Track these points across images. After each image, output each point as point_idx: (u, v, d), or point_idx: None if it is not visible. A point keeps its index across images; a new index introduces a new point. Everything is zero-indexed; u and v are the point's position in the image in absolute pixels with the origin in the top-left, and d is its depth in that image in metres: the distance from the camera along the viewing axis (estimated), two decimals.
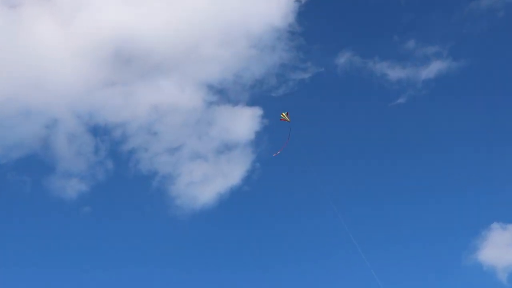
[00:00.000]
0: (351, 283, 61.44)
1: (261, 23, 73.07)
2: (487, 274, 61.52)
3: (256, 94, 73.10)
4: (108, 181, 67.80)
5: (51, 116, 69.02)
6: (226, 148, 69.70)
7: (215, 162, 69.14)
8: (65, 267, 62.97)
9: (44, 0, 72.40)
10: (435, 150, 70.36)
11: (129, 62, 71.65)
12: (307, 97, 74.18)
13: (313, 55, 75.21)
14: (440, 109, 72.72)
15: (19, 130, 67.78)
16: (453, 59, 73.29)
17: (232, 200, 67.03)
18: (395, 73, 73.34)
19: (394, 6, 77.71)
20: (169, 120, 70.60)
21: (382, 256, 62.81)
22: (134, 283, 62.23)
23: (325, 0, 79.23)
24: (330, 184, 65.74)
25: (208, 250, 65.07)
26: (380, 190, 68.27)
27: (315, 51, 75.87)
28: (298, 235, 65.64)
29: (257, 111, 70.99)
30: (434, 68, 73.16)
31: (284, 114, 55.03)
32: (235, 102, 72.35)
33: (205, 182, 67.53)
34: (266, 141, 70.12)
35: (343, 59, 74.55)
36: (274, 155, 56.61)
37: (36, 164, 68.01)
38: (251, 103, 72.11)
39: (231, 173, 67.95)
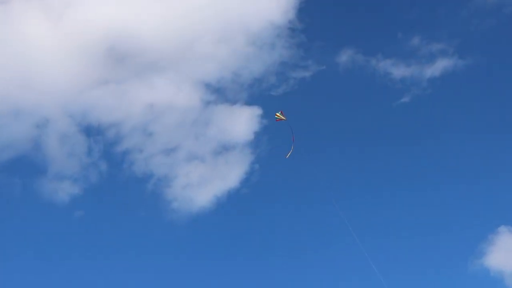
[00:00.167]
0: None
1: (260, 20, 72.71)
2: (495, 280, 61.08)
3: (255, 93, 72.79)
4: (102, 184, 67.45)
5: (42, 116, 68.64)
6: (224, 149, 69.50)
7: (213, 163, 68.86)
8: (56, 272, 62.50)
9: None
10: (441, 151, 69.87)
11: (123, 59, 71.31)
12: (308, 96, 73.88)
13: (314, 52, 74.88)
14: (446, 109, 72.40)
15: (8, 130, 67.51)
16: (460, 56, 72.92)
17: (230, 203, 66.76)
18: (399, 71, 72.95)
19: (398, 1, 77.72)
20: (164, 120, 70.43)
21: (387, 262, 62.72)
22: None
23: None
24: (332, 187, 65.60)
25: (205, 255, 64.59)
26: (383, 193, 67.88)
27: (316, 49, 75.53)
28: (300, 239, 65.17)
29: (256, 111, 70.71)
30: (440, 66, 72.64)
31: (278, 114, 54.76)
32: (233, 102, 72.03)
33: (202, 185, 67.30)
34: (266, 141, 69.93)
35: (345, 56, 74.06)
36: (286, 157, 55.49)
37: (26, 166, 67.56)
38: (250, 102, 71.86)
39: (229, 175, 67.73)
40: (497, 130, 70.15)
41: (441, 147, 69.77)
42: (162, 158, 68.68)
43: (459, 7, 75.05)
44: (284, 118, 54.78)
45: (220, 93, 72.01)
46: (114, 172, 67.98)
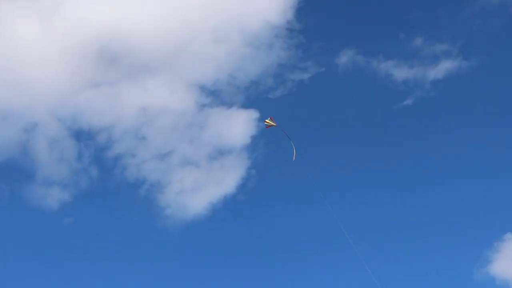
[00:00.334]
0: None
1: (257, 20, 72.05)
2: None
3: (252, 95, 72.24)
4: (92, 190, 67.03)
5: (30, 119, 68.13)
6: (219, 153, 69.04)
7: (208, 168, 68.44)
8: (45, 282, 61.99)
9: None
10: (445, 155, 69.40)
11: (114, 60, 70.75)
12: (307, 99, 73.24)
13: (313, 54, 74.39)
14: (450, 112, 71.96)
15: None
16: (464, 58, 72.42)
17: (226, 210, 66.42)
18: (401, 73, 72.51)
19: (400, 1, 77.51)
20: (158, 124, 69.90)
21: (389, 269, 62.60)
22: None
23: None
24: (332, 192, 66.34)
25: (200, 264, 64.10)
26: (385, 197, 67.53)
27: (315, 50, 74.93)
28: (299, 248, 64.71)
29: (252, 114, 69.96)
30: (443, 67, 72.18)
31: (267, 120, 54.93)
32: (229, 104, 71.41)
33: (197, 191, 66.93)
34: (263, 146, 69.25)
35: (345, 58, 73.56)
36: (293, 159, 55.13)
37: (14, 171, 67.22)
38: (247, 105, 71.17)
39: (225, 180, 67.38)
40: (503, 133, 69.90)
41: (445, 151, 69.50)
42: (155, 163, 68.47)
43: (463, 6, 74.85)
44: (274, 124, 55.03)
45: (215, 95, 71.78)
46: (105, 178, 67.72)
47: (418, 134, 70.60)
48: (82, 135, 68.78)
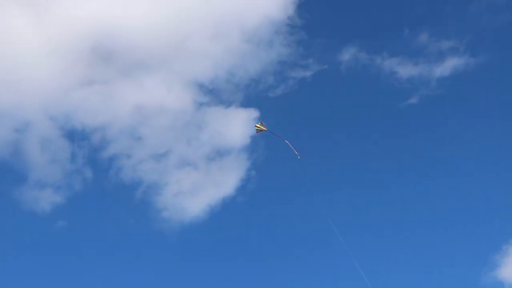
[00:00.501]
0: None
1: (257, 15, 71.86)
2: None
3: (252, 94, 72.15)
4: (86, 192, 66.76)
5: (22, 119, 67.77)
6: (218, 154, 69.02)
7: (206, 169, 68.52)
8: (38, 285, 61.72)
9: None
10: (450, 156, 69.18)
11: (109, 58, 70.70)
12: (308, 98, 73.14)
13: (315, 50, 74.24)
14: (456, 110, 71.82)
15: None
16: (471, 55, 72.13)
17: (225, 212, 66.21)
18: (406, 70, 72.40)
19: None
20: (154, 123, 69.81)
21: (393, 273, 62.45)
22: None
23: None
24: (335, 194, 66.52)
25: (197, 268, 63.73)
26: (390, 200, 67.43)
27: (317, 47, 74.90)
28: (300, 252, 64.34)
29: (252, 113, 69.79)
30: (449, 65, 71.97)
31: (258, 125, 55.35)
32: (228, 103, 71.47)
33: (195, 192, 66.94)
34: (263, 146, 69.00)
35: (348, 55, 73.50)
36: (299, 157, 55.42)
37: (5, 172, 66.78)
38: (246, 104, 71.15)
39: (224, 182, 67.41)
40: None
41: (451, 151, 69.19)
42: (152, 164, 68.26)
43: (470, 1, 74.65)
44: (265, 128, 55.51)
45: (214, 94, 71.75)
46: (99, 179, 67.47)
47: (424, 134, 70.55)
48: (75, 135, 68.72)
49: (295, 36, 73.77)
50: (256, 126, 55.32)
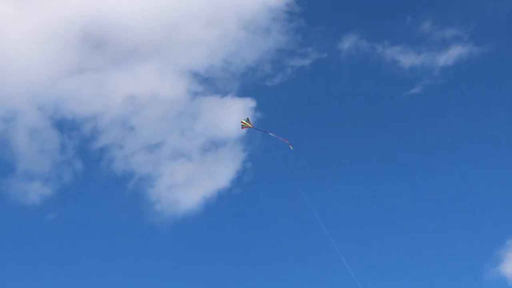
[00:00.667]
0: None
1: (254, 1, 72.11)
2: None
3: (248, 83, 71.99)
4: (77, 184, 66.50)
5: (9, 108, 67.67)
6: (213, 145, 68.79)
7: (201, 161, 68.16)
8: (27, 281, 61.04)
9: None
10: (455, 148, 69.00)
11: (100, 46, 70.84)
12: (307, 87, 72.78)
13: (314, 38, 74.09)
14: (459, 100, 71.54)
15: None
16: (475, 43, 71.99)
17: (220, 205, 65.81)
18: (408, 59, 72.35)
19: None
20: (147, 113, 69.79)
21: (395, 269, 62.00)
22: None
23: None
24: (334, 187, 66.22)
25: (191, 262, 63.27)
26: (391, 193, 66.93)
27: (316, 34, 74.53)
28: (297, 245, 63.85)
29: (249, 103, 69.82)
30: (453, 53, 71.87)
31: (244, 121, 55.84)
32: (223, 93, 71.23)
33: (189, 185, 66.53)
34: (259, 137, 68.36)
35: (348, 43, 73.34)
36: (291, 148, 56.14)
37: None
38: (242, 93, 70.98)
39: (219, 174, 67.10)
40: None
41: (455, 142, 69.14)
42: (144, 155, 68.09)
43: None
44: (250, 125, 56.03)
45: (209, 83, 71.70)
46: (90, 171, 67.32)
47: (426, 125, 70.14)
48: (65, 125, 68.59)
49: (293, 23, 73.85)
50: (241, 122, 55.70)
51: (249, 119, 55.88)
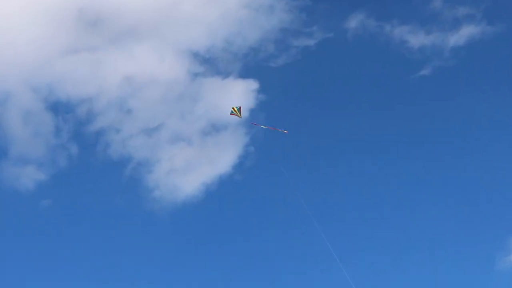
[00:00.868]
0: None
1: None
2: None
3: (251, 64, 71.81)
4: (72, 169, 66.48)
5: (1, 90, 67.45)
6: (214, 129, 68.56)
7: (201, 145, 68.06)
8: (20, 268, 60.88)
9: None
10: (466, 132, 68.62)
11: (96, 24, 70.59)
12: (312, 68, 72.55)
13: (320, 17, 73.88)
14: (471, 82, 70.75)
15: None
16: (488, 22, 71.34)
17: (221, 191, 65.66)
18: (418, 39, 71.93)
19: None
20: (145, 95, 69.62)
21: (404, 259, 61.49)
22: None
23: None
24: (341, 168, 66.02)
25: (191, 250, 63.17)
26: (400, 181, 66.21)
27: (321, 13, 74.43)
28: (298, 233, 63.40)
29: (251, 85, 69.40)
30: (465, 33, 71.39)
31: (235, 108, 55.24)
32: (225, 74, 70.91)
33: (189, 170, 66.36)
34: (263, 120, 67.20)
35: (354, 22, 73.01)
36: (286, 132, 56.66)
37: None
38: (245, 74, 70.70)
39: (220, 158, 66.93)
40: None
41: (466, 126, 68.58)
42: (142, 139, 68.05)
43: None
44: (239, 115, 55.80)
45: (209, 63, 71.48)
46: (86, 155, 67.38)
47: (436, 107, 69.55)
48: (60, 108, 68.49)
49: (298, 1, 73.71)
50: (232, 108, 55.38)
51: (241, 108, 55.47)
